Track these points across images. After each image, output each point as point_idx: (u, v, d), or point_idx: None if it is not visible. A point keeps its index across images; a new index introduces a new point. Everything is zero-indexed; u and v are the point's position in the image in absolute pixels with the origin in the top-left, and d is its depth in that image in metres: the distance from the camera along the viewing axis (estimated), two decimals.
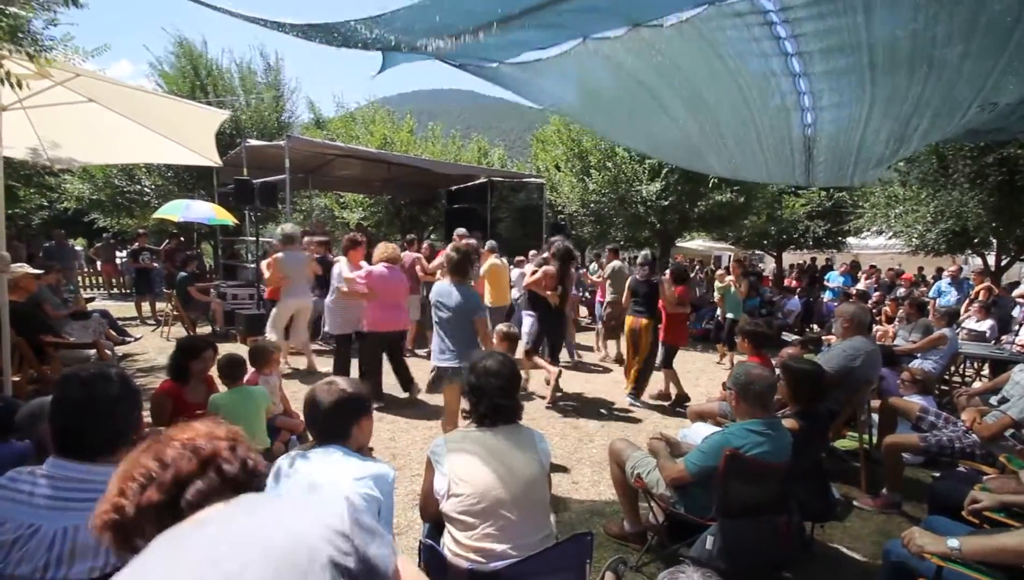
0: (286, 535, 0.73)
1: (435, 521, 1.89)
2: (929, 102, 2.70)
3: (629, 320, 5.49)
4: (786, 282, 13.87)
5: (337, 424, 1.70)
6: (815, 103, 3.06)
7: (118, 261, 13.97)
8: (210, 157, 4.64)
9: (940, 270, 11.49)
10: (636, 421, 4.97)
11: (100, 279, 13.88)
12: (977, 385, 5.57)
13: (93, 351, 4.79)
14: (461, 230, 6.94)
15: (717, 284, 8.34)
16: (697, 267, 14.93)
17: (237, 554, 0.70)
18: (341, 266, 5.18)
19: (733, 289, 7.68)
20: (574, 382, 6.27)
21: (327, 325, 5.51)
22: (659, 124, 4.07)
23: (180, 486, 0.84)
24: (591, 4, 1.88)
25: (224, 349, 3.23)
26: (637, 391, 5.50)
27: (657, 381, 5.68)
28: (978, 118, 3.20)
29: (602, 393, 5.82)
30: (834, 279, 11.80)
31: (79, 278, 12.80)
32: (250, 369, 3.32)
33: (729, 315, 7.57)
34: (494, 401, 1.90)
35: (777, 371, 3.16)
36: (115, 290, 13.63)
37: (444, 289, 3.65)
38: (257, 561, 0.68)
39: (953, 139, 5.06)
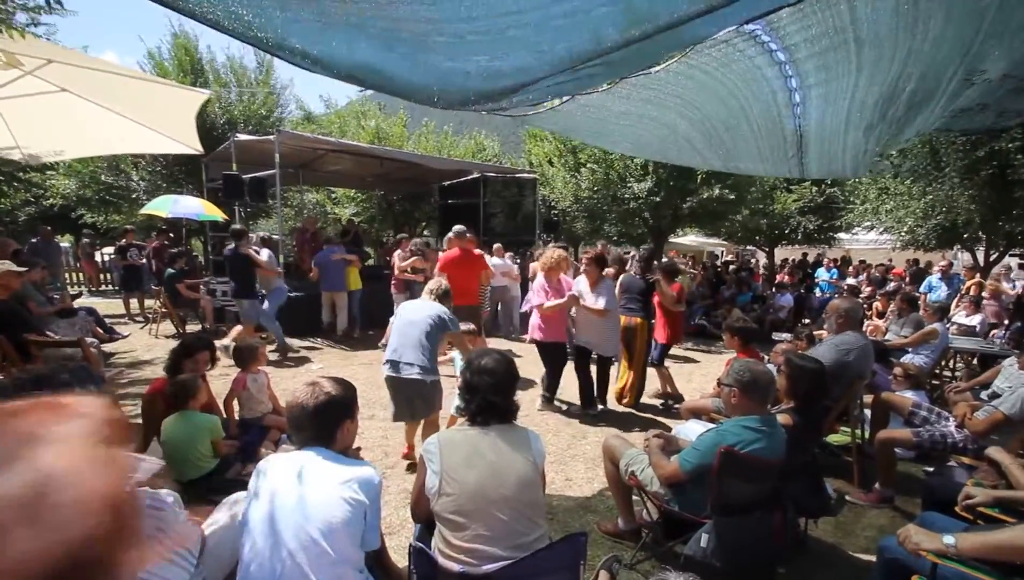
0: None
1: (427, 521, 1.85)
2: (914, 68, 2.72)
3: (622, 319, 5.15)
4: (778, 278, 13.93)
5: (322, 427, 1.67)
6: (802, 82, 3.08)
7: (104, 259, 13.79)
8: (190, 144, 4.36)
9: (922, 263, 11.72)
10: (630, 418, 4.95)
11: (86, 276, 13.68)
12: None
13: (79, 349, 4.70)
14: (459, 228, 6.46)
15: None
16: (689, 262, 14.96)
17: None
18: (582, 283, 4.91)
19: None
20: (568, 379, 6.23)
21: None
22: (644, 128, 4.16)
23: None
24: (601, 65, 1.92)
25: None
26: (638, 397, 5.25)
27: (652, 379, 5.64)
28: (965, 93, 3.20)
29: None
30: (821, 274, 11.96)
31: (66, 275, 12.59)
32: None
33: None
34: (487, 399, 1.86)
35: (771, 366, 3.15)
36: (103, 287, 13.45)
37: (415, 305, 3.71)
38: None
39: (944, 129, 5.04)
